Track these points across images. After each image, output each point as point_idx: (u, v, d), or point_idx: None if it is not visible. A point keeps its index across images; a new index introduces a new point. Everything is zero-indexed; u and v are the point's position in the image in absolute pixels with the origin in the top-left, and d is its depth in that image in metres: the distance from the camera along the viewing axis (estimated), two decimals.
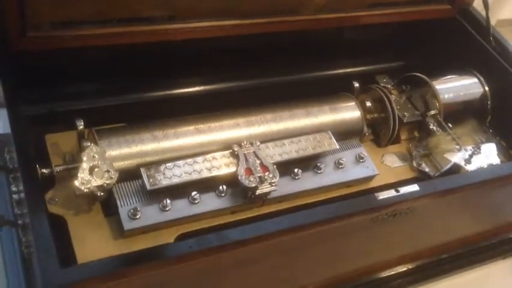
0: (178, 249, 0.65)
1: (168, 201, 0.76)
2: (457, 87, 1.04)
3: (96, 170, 0.72)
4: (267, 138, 0.84)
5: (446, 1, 1.08)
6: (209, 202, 0.78)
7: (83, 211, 0.75)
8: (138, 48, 0.85)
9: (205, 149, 0.81)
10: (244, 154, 0.80)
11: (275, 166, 0.80)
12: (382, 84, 1.00)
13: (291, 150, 0.84)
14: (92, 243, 0.72)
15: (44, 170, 0.73)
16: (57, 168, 0.74)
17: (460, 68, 1.07)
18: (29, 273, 0.77)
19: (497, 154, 0.96)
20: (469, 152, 0.94)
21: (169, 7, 0.84)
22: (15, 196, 0.72)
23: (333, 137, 0.88)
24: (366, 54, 1.10)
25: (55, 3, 0.76)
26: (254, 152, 0.81)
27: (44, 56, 0.79)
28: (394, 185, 0.85)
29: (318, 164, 0.86)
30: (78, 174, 0.71)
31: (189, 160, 0.78)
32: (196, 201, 0.77)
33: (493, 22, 1.07)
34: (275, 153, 0.83)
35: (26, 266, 0.78)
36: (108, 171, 0.72)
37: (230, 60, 0.95)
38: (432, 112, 0.98)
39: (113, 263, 0.61)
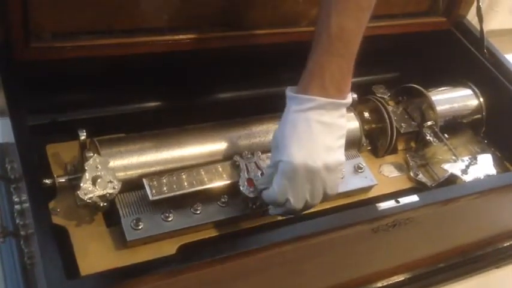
0: (182, 260, 0.65)
1: (170, 211, 0.76)
2: (452, 98, 1.05)
3: (98, 180, 0.72)
4: (268, 149, 0.84)
5: (441, 14, 1.10)
6: (211, 213, 0.78)
7: (84, 221, 0.75)
8: (140, 59, 0.85)
9: (207, 160, 0.81)
10: (246, 165, 0.81)
11: None
12: (378, 95, 1.01)
13: None
14: (94, 254, 0.72)
15: (46, 181, 0.72)
16: (60, 179, 0.74)
17: (455, 79, 1.09)
18: (29, 285, 0.77)
19: (493, 165, 0.97)
20: (466, 163, 0.95)
21: (171, 18, 0.84)
22: (17, 206, 0.72)
23: None
24: (362, 66, 1.11)
25: (59, 15, 0.76)
26: (255, 163, 0.81)
27: (45, 66, 0.80)
28: (393, 195, 0.86)
29: None
30: (81, 184, 0.71)
31: (191, 170, 0.79)
32: (198, 212, 0.77)
33: None
34: None
35: (26, 277, 0.77)
36: (111, 181, 0.72)
37: (229, 71, 0.96)
38: (429, 123, 1.00)
39: (120, 274, 0.61)
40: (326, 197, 0.74)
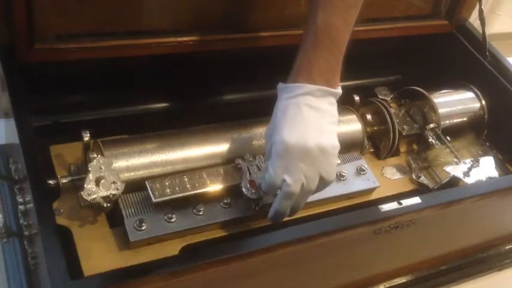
0: (185, 261, 0.65)
1: (173, 212, 0.76)
2: (454, 101, 1.05)
3: (102, 181, 0.72)
4: None
5: (443, 17, 1.10)
6: (214, 214, 0.78)
7: (88, 222, 0.75)
8: (143, 60, 0.86)
9: (209, 161, 0.82)
10: (248, 167, 0.81)
11: None
12: (381, 96, 1.01)
13: None
14: (97, 254, 0.72)
15: (50, 181, 0.73)
16: (63, 180, 0.74)
17: (457, 82, 1.09)
18: (32, 285, 0.77)
19: (495, 167, 0.97)
20: (468, 165, 0.95)
21: (175, 20, 0.85)
22: (21, 207, 0.72)
23: None
24: (364, 68, 1.12)
25: (62, 16, 0.76)
26: (257, 165, 0.81)
27: (49, 68, 0.80)
28: (395, 197, 0.86)
29: None
30: (85, 185, 0.71)
31: (194, 173, 0.79)
32: (201, 213, 0.78)
33: None
34: None
35: (29, 277, 0.78)
36: (114, 182, 0.73)
37: (232, 73, 0.96)
38: (431, 125, 1.00)
39: (123, 274, 0.61)
40: (323, 183, 0.73)
